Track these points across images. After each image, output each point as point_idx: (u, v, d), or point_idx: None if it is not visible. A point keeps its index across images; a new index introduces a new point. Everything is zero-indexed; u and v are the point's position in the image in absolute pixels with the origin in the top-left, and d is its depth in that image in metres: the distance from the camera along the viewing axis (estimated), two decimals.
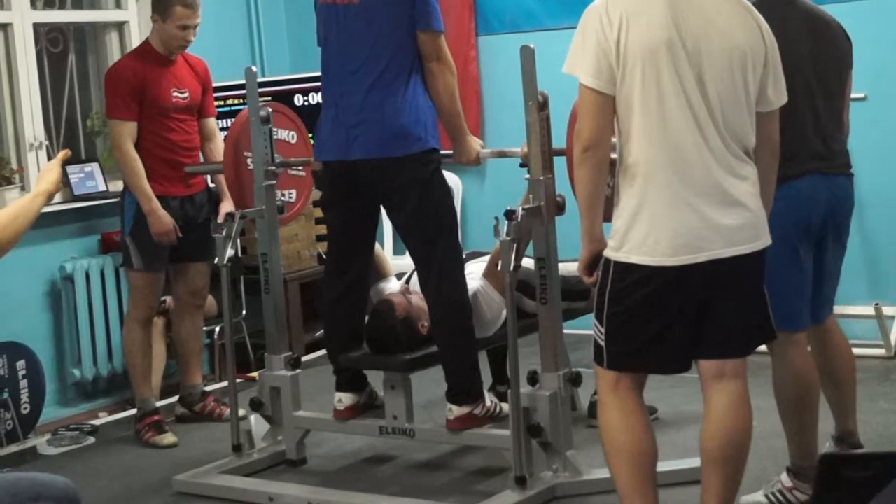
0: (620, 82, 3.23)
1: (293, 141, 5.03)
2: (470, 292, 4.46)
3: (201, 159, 5.45)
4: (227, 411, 5.16)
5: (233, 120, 6.61)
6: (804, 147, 3.73)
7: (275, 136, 4.86)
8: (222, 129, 6.48)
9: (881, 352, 5.63)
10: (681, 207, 3.22)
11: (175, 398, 5.70)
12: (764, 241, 3.33)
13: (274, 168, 4.80)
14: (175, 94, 5.24)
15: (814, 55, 3.77)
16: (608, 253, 3.33)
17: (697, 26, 3.23)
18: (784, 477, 3.88)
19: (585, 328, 5.36)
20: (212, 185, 5.59)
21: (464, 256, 4.77)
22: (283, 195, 4.94)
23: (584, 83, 3.26)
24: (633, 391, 3.39)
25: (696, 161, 3.22)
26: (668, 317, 3.30)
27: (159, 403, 5.42)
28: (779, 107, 3.40)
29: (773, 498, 3.87)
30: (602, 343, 3.37)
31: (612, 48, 3.21)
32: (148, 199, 5.12)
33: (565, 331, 4.29)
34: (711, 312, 3.31)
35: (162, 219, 5.13)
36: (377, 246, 4.89)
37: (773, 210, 3.46)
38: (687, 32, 3.22)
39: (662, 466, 3.52)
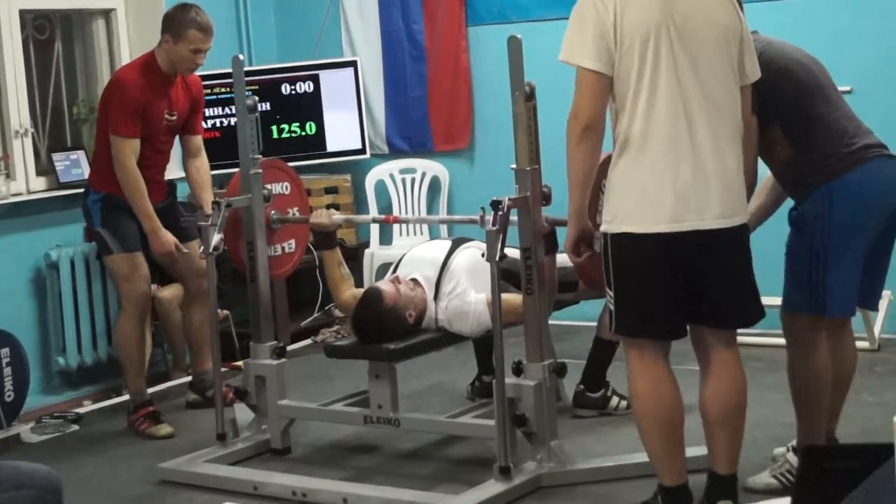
0: (618, 62, 3.44)
1: (287, 192, 5.02)
2: (468, 305, 4.49)
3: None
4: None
5: (219, 108, 6.67)
6: (864, 133, 3.83)
7: (270, 191, 4.85)
8: (209, 117, 6.49)
9: (865, 344, 5.64)
10: (668, 180, 3.42)
11: (160, 387, 5.71)
12: (744, 216, 3.55)
13: (271, 216, 4.84)
14: (167, 116, 5.18)
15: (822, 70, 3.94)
16: (604, 227, 3.54)
17: (685, 7, 3.45)
18: (791, 457, 3.94)
19: (572, 319, 5.41)
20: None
21: (450, 242, 4.79)
22: (282, 247, 4.97)
23: (586, 66, 3.45)
24: (659, 358, 3.59)
25: (684, 137, 3.43)
26: (662, 283, 3.49)
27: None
28: (753, 81, 3.60)
29: (781, 478, 3.94)
30: (613, 308, 3.57)
31: (609, 31, 3.43)
32: (150, 219, 5.09)
33: (552, 321, 4.30)
34: (703, 283, 3.52)
35: (163, 238, 5.11)
36: (341, 263, 4.84)
37: (840, 195, 3.67)
38: (677, 13, 3.43)
39: None
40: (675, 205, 3.43)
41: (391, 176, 6.95)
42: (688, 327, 3.63)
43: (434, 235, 6.78)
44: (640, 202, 3.45)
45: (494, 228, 3.95)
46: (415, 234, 6.89)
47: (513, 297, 4.31)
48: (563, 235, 3.78)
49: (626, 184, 3.49)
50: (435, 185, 6.92)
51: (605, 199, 3.59)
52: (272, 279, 4.96)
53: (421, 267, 4.66)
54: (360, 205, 6.93)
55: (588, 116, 3.46)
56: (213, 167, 5.53)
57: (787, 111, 3.78)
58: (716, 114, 3.47)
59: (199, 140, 5.42)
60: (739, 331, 5.56)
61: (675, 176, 3.43)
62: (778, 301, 3.91)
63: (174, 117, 5.22)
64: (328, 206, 4.95)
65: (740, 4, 3.67)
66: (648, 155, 3.45)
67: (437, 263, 4.63)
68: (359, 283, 6.34)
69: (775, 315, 3.93)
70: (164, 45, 5.12)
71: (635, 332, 3.60)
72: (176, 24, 5.08)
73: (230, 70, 4.85)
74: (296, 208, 5.02)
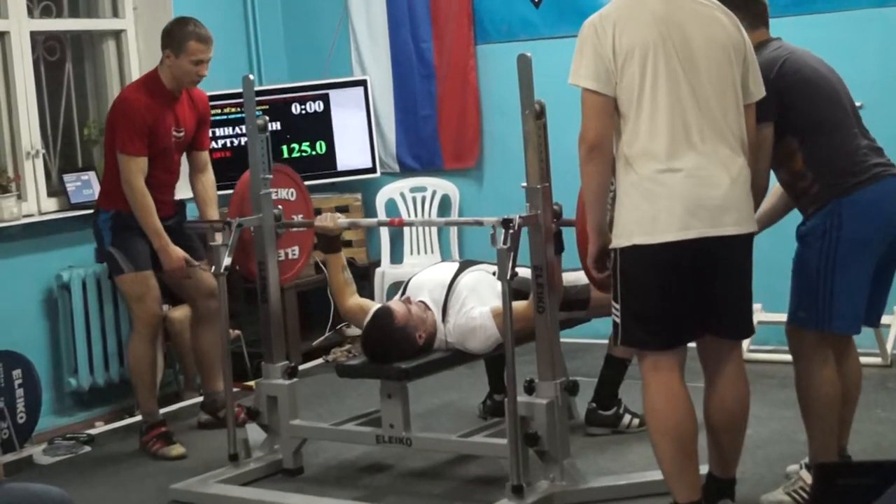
0: (619, 82, 3.49)
1: (293, 198, 5.03)
2: (474, 321, 4.48)
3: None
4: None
5: (229, 128, 6.68)
6: (876, 151, 3.85)
7: (275, 196, 4.86)
8: (219, 137, 6.51)
9: (878, 360, 5.63)
10: (672, 193, 3.47)
11: (171, 407, 5.71)
12: (748, 226, 3.57)
13: (277, 226, 4.82)
14: (174, 133, 5.20)
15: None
16: (613, 244, 3.58)
17: (684, 26, 3.51)
18: (804, 474, 3.93)
19: (583, 337, 5.40)
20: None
21: (457, 265, 4.78)
22: (286, 253, 4.97)
23: (585, 86, 3.52)
24: (673, 372, 3.60)
25: (686, 150, 3.49)
26: (671, 292, 3.52)
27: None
28: (757, 100, 3.64)
29: (795, 496, 3.93)
30: (618, 321, 3.59)
31: (607, 52, 3.49)
32: (159, 236, 5.10)
33: (563, 339, 4.29)
34: (710, 292, 3.55)
35: (172, 254, 5.12)
36: (345, 268, 4.84)
37: (851, 211, 3.69)
38: (675, 32, 3.49)
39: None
40: (682, 214, 3.46)
41: (402, 194, 6.96)
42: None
43: (445, 256, 6.78)
44: (647, 214, 3.49)
45: (506, 247, 3.95)
46: (426, 252, 6.89)
47: (521, 304, 4.31)
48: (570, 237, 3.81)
49: (631, 199, 3.52)
50: (445, 204, 6.92)
51: (614, 216, 3.62)
52: None
53: (429, 289, 4.66)
54: None
55: (591, 137, 3.52)
56: (223, 186, 5.53)
57: (805, 122, 3.77)
58: (716, 128, 3.51)
59: (205, 155, 5.43)
60: (753, 347, 5.61)
61: (678, 187, 3.47)
62: (786, 317, 3.91)
63: (182, 134, 5.23)
64: (335, 210, 4.93)
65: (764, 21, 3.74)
66: (651, 169, 3.49)
67: (444, 285, 4.63)
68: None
69: None
70: (165, 61, 5.14)
71: (640, 343, 3.62)
72: (175, 38, 5.10)
73: (240, 90, 4.87)
74: (300, 215, 5.02)
